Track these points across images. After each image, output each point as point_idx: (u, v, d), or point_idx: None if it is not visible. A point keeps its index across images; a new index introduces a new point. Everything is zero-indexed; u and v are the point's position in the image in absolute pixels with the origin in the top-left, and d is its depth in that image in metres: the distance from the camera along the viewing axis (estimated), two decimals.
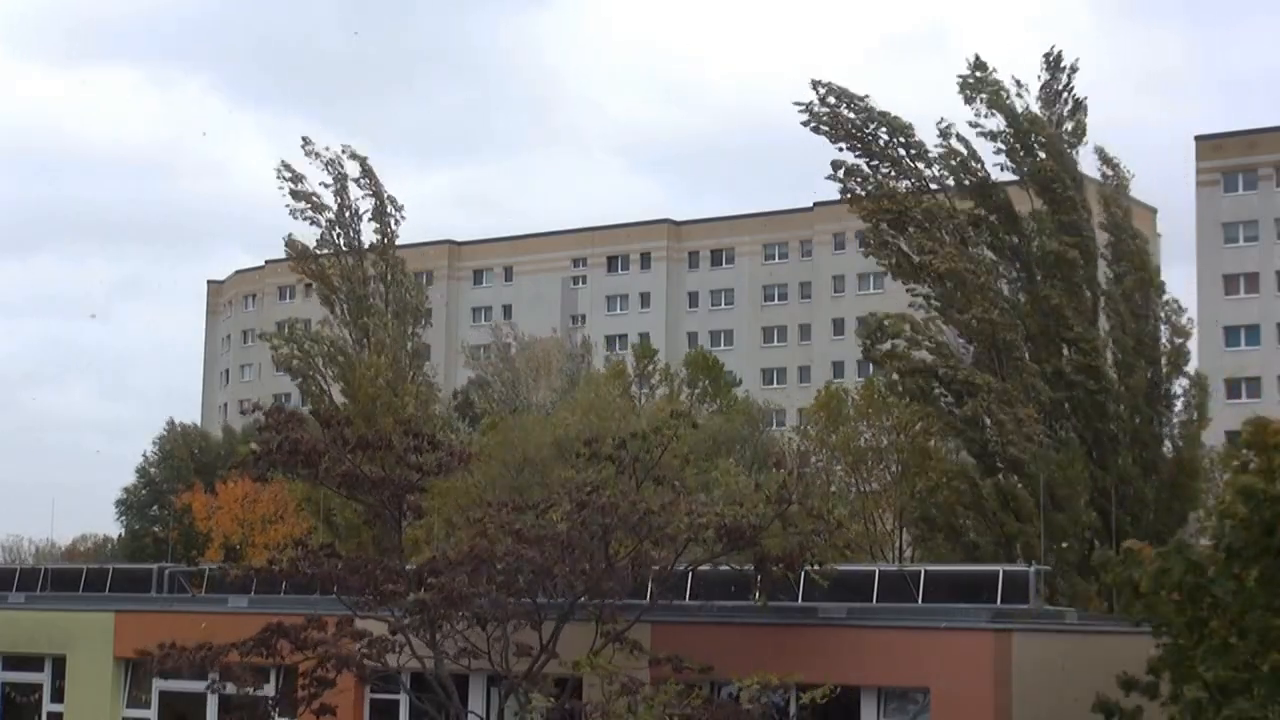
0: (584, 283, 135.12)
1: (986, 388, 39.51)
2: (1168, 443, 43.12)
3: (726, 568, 31.38)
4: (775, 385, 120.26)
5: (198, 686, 35.64)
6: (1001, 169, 43.57)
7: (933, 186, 42.51)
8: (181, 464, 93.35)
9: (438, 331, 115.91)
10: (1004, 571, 31.94)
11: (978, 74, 42.65)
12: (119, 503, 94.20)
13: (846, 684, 29.23)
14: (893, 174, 41.99)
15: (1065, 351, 42.16)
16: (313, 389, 58.27)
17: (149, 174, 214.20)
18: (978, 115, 42.69)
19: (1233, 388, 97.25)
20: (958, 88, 42.73)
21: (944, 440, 43.89)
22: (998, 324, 40.52)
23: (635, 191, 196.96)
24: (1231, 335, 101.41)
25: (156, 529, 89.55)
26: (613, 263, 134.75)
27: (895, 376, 42.22)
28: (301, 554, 32.08)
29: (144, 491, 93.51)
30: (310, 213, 57.90)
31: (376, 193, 58.80)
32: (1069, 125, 43.53)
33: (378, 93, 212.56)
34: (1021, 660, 28.76)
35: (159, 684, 38.76)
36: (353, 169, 58.69)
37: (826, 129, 41.65)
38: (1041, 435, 39.92)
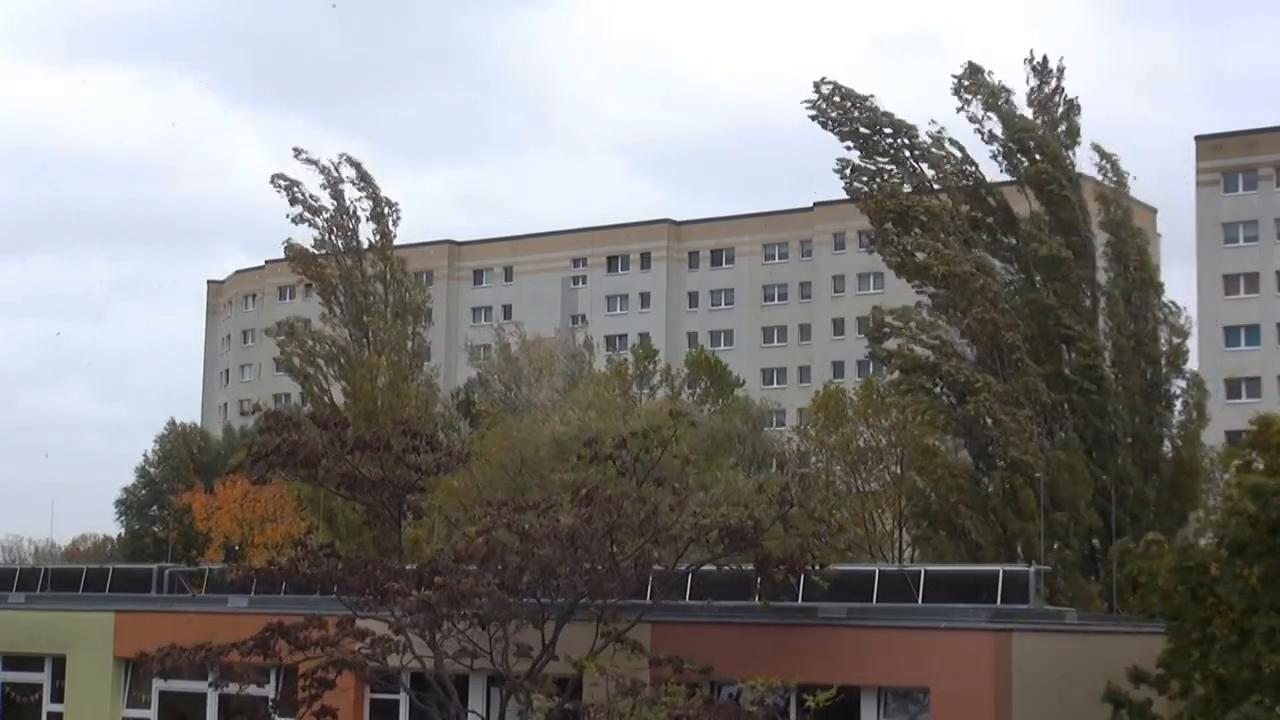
0: (584, 283, 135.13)
1: (988, 388, 39.51)
2: (1167, 443, 43.11)
3: (728, 568, 31.37)
4: (775, 385, 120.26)
5: (198, 686, 35.67)
6: (1000, 169, 43.70)
7: (934, 187, 42.53)
8: (181, 464, 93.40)
9: (438, 331, 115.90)
10: (1004, 571, 31.92)
11: (973, 77, 42.73)
12: (119, 503, 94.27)
13: (846, 684, 29.23)
14: (898, 174, 42.03)
15: (1065, 352, 42.18)
16: (314, 389, 58.41)
17: (148, 174, 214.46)
18: (973, 119, 42.80)
19: (1233, 388, 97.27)
20: (951, 90, 42.90)
21: (944, 437, 43.83)
22: (999, 324, 40.54)
23: (634, 192, 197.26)
24: (1231, 335, 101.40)
25: (156, 529, 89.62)
26: (613, 263, 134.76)
27: (897, 374, 42.25)
28: (301, 554, 32.12)
29: (144, 491, 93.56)
30: (307, 215, 58.33)
31: (373, 195, 59.21)
32: (1063, 127, 43.59)
33: (376, 93, 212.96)
34: (1021, 660, 28.75)
35: (159, 684, 38.74)
36: (348, 172, 59.32)
37: (835, 125, 41.66)
38: (1041, 436, 39.93)
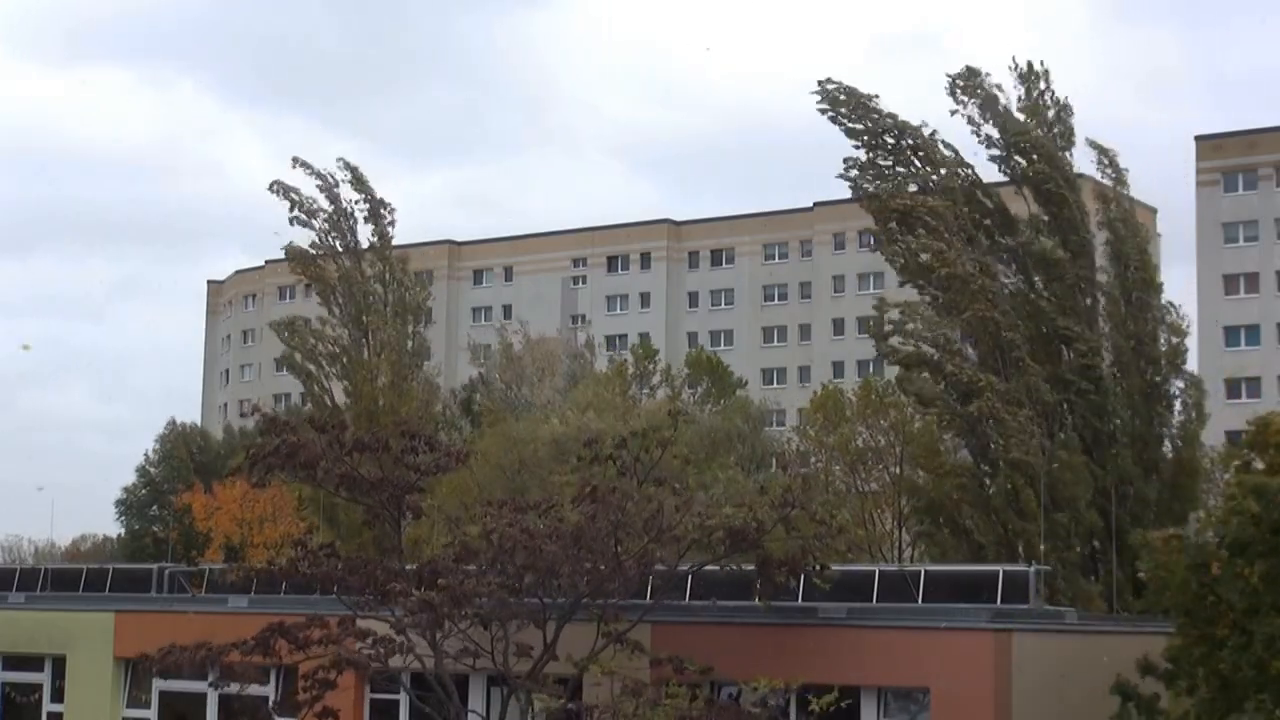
0: (584, 283, 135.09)
1: (991, 388, 39.51)
2: (1168, 443, 43.12)
3: (730, 568, 31.37)
4: (775, 385, 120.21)
5: (198, 686, 35.69)
6: (999, 170, 43.69)
7: (933, 187, 42.52)
8: (181, 464, 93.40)
9: (438, 331, 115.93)
10: (1004, 571, 31.95)
11: (968, 80, 42.76)
12: (119, 503, 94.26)
13: (847, 684, 29.25)
14: (903, 174, 42.05)
15: (1064, 353, 42.18)
16: (314, 388, 58.64)
17: (148, 174, 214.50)
18: (971, 122, 42.85)
19: (1233, 388, 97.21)
20: (946, 92, 42.98)
21: (942, 436, 43.82)
22: (1000, 324, 40.55)
23: (634, 192, 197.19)
24: (1231, 335, 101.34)
25: (156, 529, 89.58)
26: (613, 263, 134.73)
27: (900, 371, 42.29)
28: (301, 554, 32.13)
29: (144, 491, 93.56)
30: (304, 217, 58.97)
31: (369, 197, 59.83)
32: (1057, 129, 43.62)
33: (376, 93, 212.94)
34: (1021, 660, 28.76)
35: (159, 684, 38.77)
36: (344, 175, 60.04)
37: (847, 120, 41.65)
38: (1042, 436, 39.92)
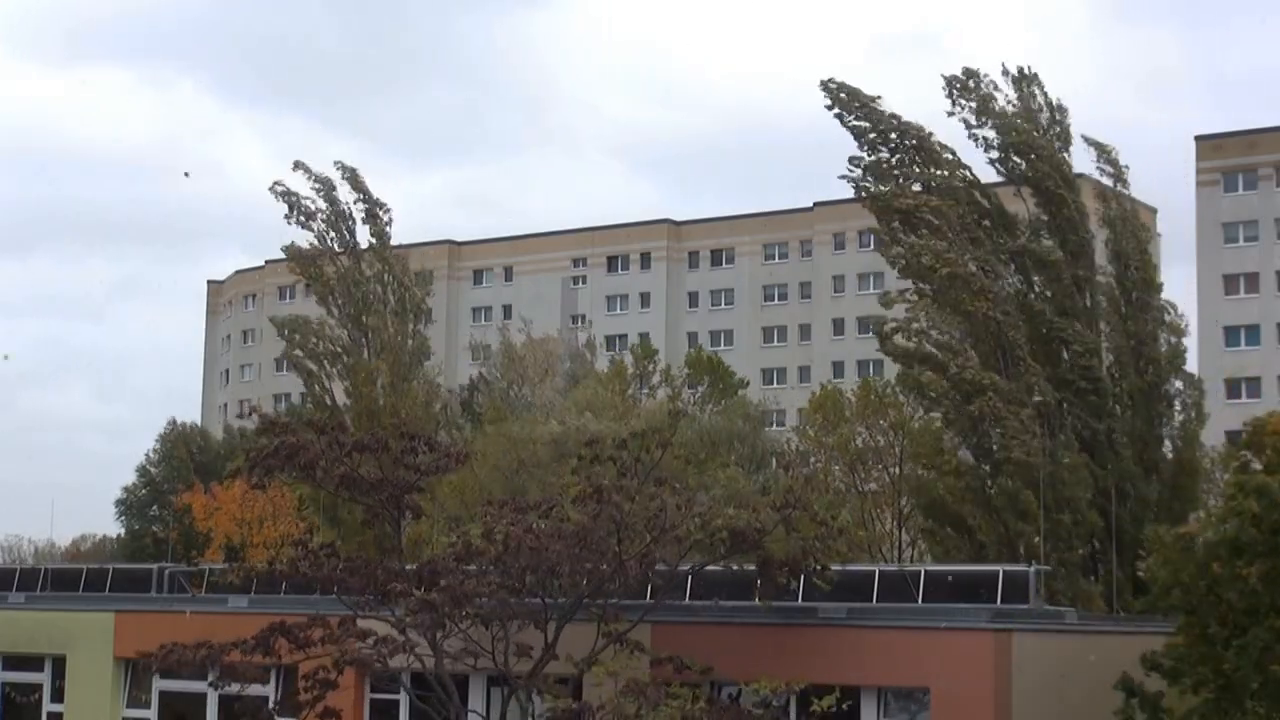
0: (584, 283, 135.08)
1: (993, 387, 39.51)
2: (1168, 443, 43.12)
3: (732, 568, 31.38)
4: (775, 385, 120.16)
5: (198, 686, 35.66)
6: (997, 171, 43.69)
7: (934, 186, 42.54)
8: (181, 464, 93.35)
9: (438, 331, 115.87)
10: (1004, 571, 31.96)
11: (966, 81, 42.77)
12: (119, 503, 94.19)
13: (847, 684, 29.25)
14: (905, 174, 42.07)
15: (1064, 353, 42.18)
16: (315, 387, 58.72)
17: (148, 174, 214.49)
18: (968, 124, 42.88)
19: (1233, 388, 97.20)
20: (944, 93, 43.01)
21: (943, 435, 43.82)
22: (1001, 324, 40.56)
23: (634, 192, 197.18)
24: (1231, 335, 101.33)
25: (156, 529, 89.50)
26: (613, 263, 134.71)
27: (902, 369, 42.30)
28: (301, 554, 32.13)
29: (144, 491, 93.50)
30: (303, 219, 59.17)
31: (367, 198, 60.11)
32: (1054, 130, 43.64)
33: (376, 93, 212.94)
34: (1021, 660, 28.76)
35: (159, 684, 38.77)
36: (343, 176, 60.29)
37: (855, 117, 41.67)
38: (1043, 436, 39.92)
